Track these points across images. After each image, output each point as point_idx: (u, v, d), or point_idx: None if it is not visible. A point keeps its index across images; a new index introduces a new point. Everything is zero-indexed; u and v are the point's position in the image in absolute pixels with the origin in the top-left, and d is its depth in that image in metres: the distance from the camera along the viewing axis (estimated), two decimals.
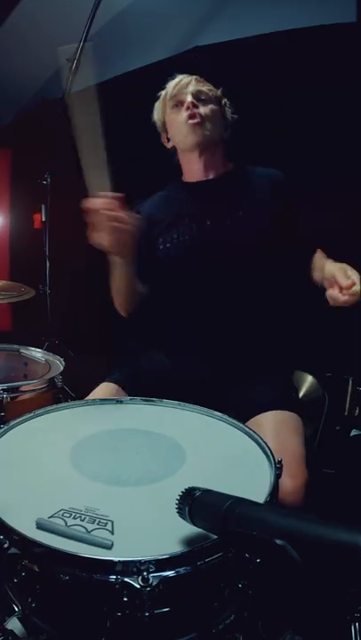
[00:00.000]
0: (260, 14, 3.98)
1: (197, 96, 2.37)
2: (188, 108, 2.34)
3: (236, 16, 4.13)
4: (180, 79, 2.43)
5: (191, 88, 2.38)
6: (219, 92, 2.48)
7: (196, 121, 2.33)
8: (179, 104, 2.40)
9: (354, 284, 1.86)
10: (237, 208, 2.32)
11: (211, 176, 2.45)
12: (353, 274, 1.91)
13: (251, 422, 2.01)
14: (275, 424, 2.02)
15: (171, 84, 2.45)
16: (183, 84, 2.40)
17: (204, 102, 2.38)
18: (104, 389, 2.24)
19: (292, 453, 1.91)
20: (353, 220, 3.44)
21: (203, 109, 2.35)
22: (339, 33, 3.68)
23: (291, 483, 1.80)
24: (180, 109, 2.39)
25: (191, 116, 2.34)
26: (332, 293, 1.91)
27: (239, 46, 4.10)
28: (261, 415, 2.06)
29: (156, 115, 2.55)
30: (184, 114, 2.36)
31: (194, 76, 2.43)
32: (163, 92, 2.49)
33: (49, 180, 4.89)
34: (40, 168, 4.97)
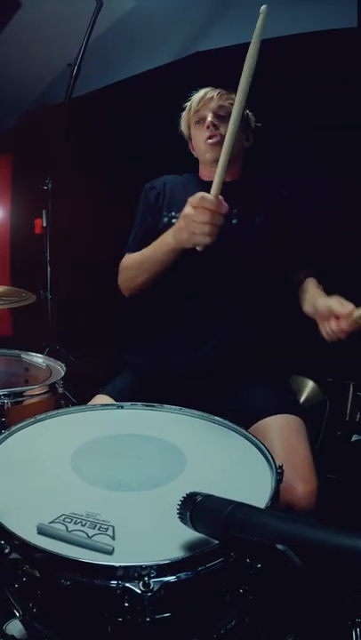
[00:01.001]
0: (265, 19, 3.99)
1: (218, 113, 2.38)
2: (208, 127, 2.37)
3: (237, 21, 4.13)
4: (205, 93, 2.44)
5: (213, 105, 2.39)
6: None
7: (215, 140, 2.35)
8: (201, 120, 2.42)
9: (353, 309, 1.88)
10: (245, 212, 2.34)
11: (226, 179, 2.42)
12: (347, 304, 1.94)
13: (256, 426, 2.02)
14: (281, 428, 2.02)
15: (195, 98, 2.46)
16: (206, 100, 2.41)
17: (225, 119, 2.35)
18: (98, 401, 2.23)
19: (303, 457, 1.92)
20: (352, 229, 3.45)
21: (223, 127, 2.35)
22: (340, 38, 3.68)
23: (304, 487, 1.81)
24: (201, 126, 2.42)
25: (211, 136, 2.36)
26: (331, 325, 1.94)
27: (241, 51, 4.10)
28: (267, 419, 2.06)
29: (183, 126, 2.59)
30: (205, 133, 2.39)
31: (217, 90, 2.43)
32: (188, 104, 2.51)
33: (50, 185, 4.88)
34: (41, 173, 4.97)
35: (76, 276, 5.24)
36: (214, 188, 1.89)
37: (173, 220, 2.34)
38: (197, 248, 1.96)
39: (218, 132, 2.36)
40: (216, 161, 2.26)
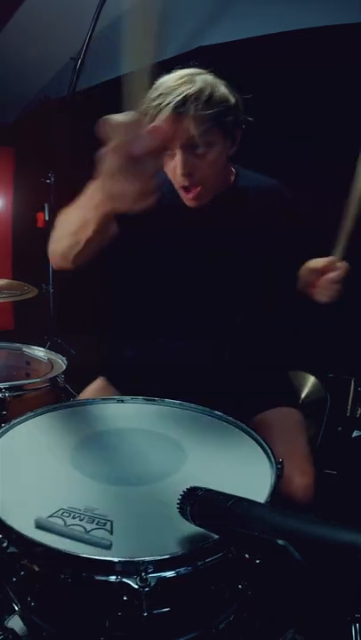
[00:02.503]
0: (266, 14, 3.97)
1: (193, 146, 1.89)
2: (180, 173, 1.92)
3: (240, 16, 4.13)
4: (174, 108, 1.82)
5: (187, 131, 1.85)
6: (217, 113, 1.88)
7: (193, 194, 1.99)
8: (167, 149, 1.92)
9: (334, 261, 1.87)
10: (237, 225, 2.17)
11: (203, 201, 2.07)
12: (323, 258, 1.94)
13: (255, 419, 2.02)
14: (280, 421, 2.03)
15: (155, 105, 1.85)
16: (173, 119, 1.80)
17: (204, 148, 1.90)
18: (98, 384, 2.23)
19: (301, 450, 1.92)
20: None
21: (200, 170, 1.93)
22: (345, 33, 3.67)
23: (302, 480, 1.81)
24: (170, 159, 1.94)
25: (187, 189, 1.98)
26: (322, 281, 1.92)
27: (244, 46, 4.10)
28: (266, 412, 2.07)
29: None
30: (177, 181, 1.98)
31: (190, 95, 1.83)
32: (153, 106, 1.86)
33: (52, 179, 4.89)
34: (43, 167, 4.97)
35: (78, 269, 5.24)
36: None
37: (168, 236, 2.15)
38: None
39: (196, 181, 1.95)
40: (199, 204, 2.01)
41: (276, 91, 3.54)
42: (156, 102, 1.83)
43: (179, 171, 1.90)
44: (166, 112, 1.80)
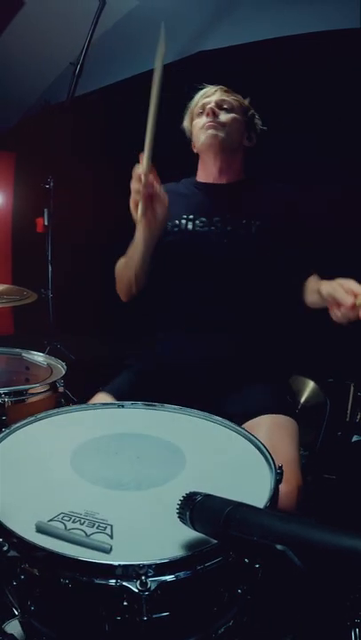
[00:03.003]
0: (265, 19, 3.99)
1: (220, 104, 2.46)
2: (208, 114, 2.44)
3: (240, 21, 4.14)
4: (207, 89, 2.55)
5: (215, 97, 2.48)
6: (246, 102, 2.58)
7: (212, 124, 2.43)
8: (204, 113, 2.48)
9: (357, 295, 1.86)
10: (243, 216, 2.36)
11: (224, 181, 2.53)
12: (351, 285, 1.90)
13: (246, 425, 2.01)
14: (268, 427, 2.03)
15: (198, 94, 2.57)
16: (209, 93, 2.52)
17: (227, 111, 2.47)
18: (99, 399, 2.23)
19: (285, 457, 1.91)
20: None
21: (223, 117, 2.45)
22: (344, 38, 3.68)
23: (284, 487, 1.80)
24: (202, 116, 2.49)
25: (209, 121, 2.43)
26: (338, 313, 1.91)
27: (244, 51, 4.11)
28: (256, 419, 2.07)
29: (186, 123, 2.65)
30: (204, 119, 2.46)
31: (220, 86, 2.54)
32: (192, 101, 2.60)
33: (52, 184, 4.89)
34: (43, 172, 4.98)
35: (78, 274, 5.24)
36: (145, 153, 2.02)
37: (175, 229, 2.40)
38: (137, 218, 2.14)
39: (217, 119, 2.44)
40: (210, 146, 2.45)
41: (275, 96, 3.55)
42: (199, 94, 2.57)
43: (210, 105, 2.46)
44: (205, 91, 2.55)
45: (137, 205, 2.11)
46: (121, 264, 2.46)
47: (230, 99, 2.49)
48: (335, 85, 3.68)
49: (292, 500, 1.81)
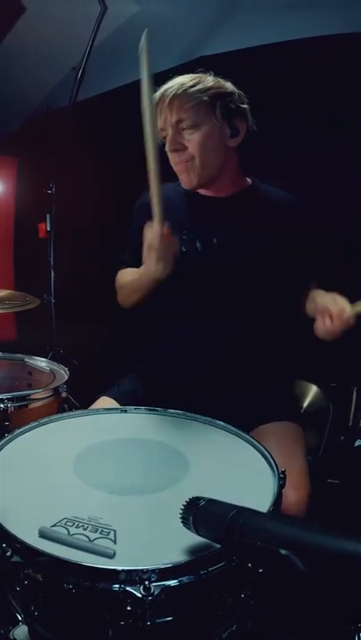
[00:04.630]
0: (267, 24, 3.98)
1: (178, 128, 2.09)
2: (170, 150, 2.12)
3: (242, 25, 4.14)
4: (160, 98, 2.08)
5: (171, 117, 2.07)
6: (209, 84, 2.09)
7: (180, 167, 2.16)
8: (164, 139, 2.13)
9: (343, 310, 1.87)
10: (244, 233, 2.20)
11: (222, 194, 2.27)
12: (341, 301, 1.92)
13: (254, 432, 2.01)
14: (278, 435, 2.02)
15: (159, 101, 2.10)
16: (165, 113, 2.09)
17: (191, 128, 2.08)
18: (102, 404, 2.23)
19: (296, 465, 1.91)
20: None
21: (188, 142, 2.09)
22: (348, 42, 3.67)
23: (294, 495, 1.80)
24: (165, 135, 2.13)
25: (175, 161, 2.16)
26: (320, 324, 1.92)
27: (245, 56, 4.11)
28: (264, 426, 2.06)
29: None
30: (170, 157, 2.16)
31: (173, 91, 2.06)
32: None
33: (54, 189, 4.89)
34: (45, 177, 4.98)
35: (80, 280, 5.24)
36: (155, 213, 1.87)
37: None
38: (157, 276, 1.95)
39: (183, 156, 2.12)
40: (193, 188, 2.21)
41: (277, 101, 3.55)
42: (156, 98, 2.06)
43: (167, 147, 2.11)
44: (160, 102, 2.06)
45: (150, 250, 1.90)
46: (126, 281, 2.33)
47: (188, 107, 2.05)
48: (338, 90, 3.67)
49: (302, 507, 1.81)
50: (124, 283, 2.36)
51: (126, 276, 2.34)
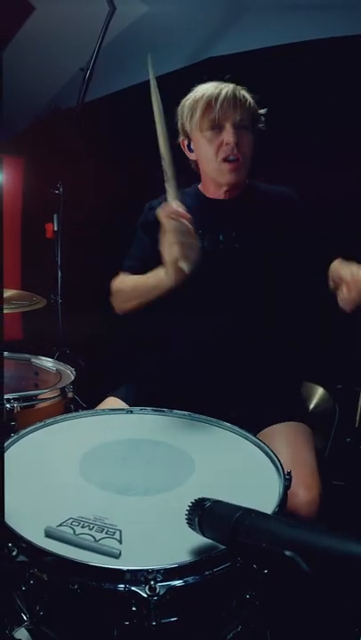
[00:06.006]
0: (275, 26, 3.98)
1: (239, 125, 2.11)
2: (228, 144, 2.10)
3: (251, 27, 4.13)
4: (220, 91, 2.09)
5: (235, 115, 2.10)
6: (254, 103, 2.18)
7: (234, 166, 2.14)
8: (216, 128, 2.12)
9: (358, 279, 1.84)
10: (248, 233, 2.22)
11: (231, 196, 2.29)
12: (357, 271, 1.86)
13: (262, 434, 2.00)
14: (287, 436, 2.01)
15: (209, 94, 2.11)
16: (226, 105, 2.08)
17: (244, 132, 2.13)
18: (109, 404, 2.23)
19: (307, 465, 1.90)
20: None
21: (243, 146, 2.12)
22: (356, 44, 3.66)
23: (306, 494, 1.79)
24: (217, 136, 2.12)
25: (231, 160, 2.12)
26: (343, 291, 1.89)
27: (254, 58, 4.10)
28: (273, 427, 2.05)
29: (182, 116, 2.24)
30: (222, 152, 2.12)
31: (235, 90, 2.11)
32: (196, 95, 2.17)
33: (61, 189, 4.89)
34: (52, 177, 4.98)
35: (87, 280, 5.24)
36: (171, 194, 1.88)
37: None
38: (183, 267, 1.76)
39: (239, 153, 2.12)
40: (231, 185, 2.20)
41: (285, 102, 3.54)
42: (208, 94, 2.12)
43: (231, 139, 2.09)
44: (222, 99, 2.08)
45: (170, 247, 1.77)
46: (126, 286, 2.25)
47: (246, 111, 2.13)
48: (347, 92, 3.66)
49: (313, 507, 1.80)
50: (123, 287, 2.27)
51: (127, 281, 2.26)
